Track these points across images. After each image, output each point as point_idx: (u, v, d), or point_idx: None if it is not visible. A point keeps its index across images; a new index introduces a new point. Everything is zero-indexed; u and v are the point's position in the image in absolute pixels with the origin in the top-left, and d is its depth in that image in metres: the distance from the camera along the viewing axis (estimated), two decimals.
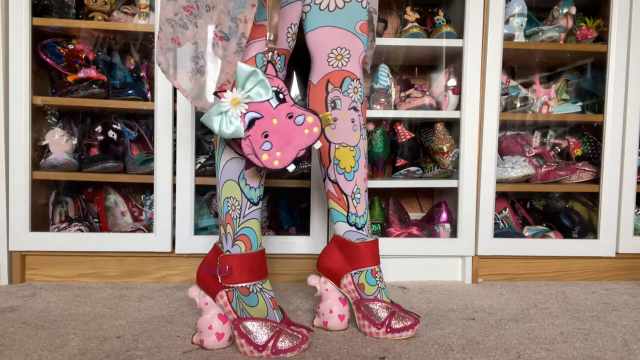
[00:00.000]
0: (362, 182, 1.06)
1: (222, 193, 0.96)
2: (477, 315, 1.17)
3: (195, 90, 0.93)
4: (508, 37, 1.50)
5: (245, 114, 0.88)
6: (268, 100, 0.89)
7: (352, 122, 1.05)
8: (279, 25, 0.97)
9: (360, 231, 1.05)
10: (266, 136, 0.88)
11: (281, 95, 0.90)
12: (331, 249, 1.09)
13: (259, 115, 0.88)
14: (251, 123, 0.88)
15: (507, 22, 1.52)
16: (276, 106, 0.89)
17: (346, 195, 1.05)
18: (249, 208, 0.95)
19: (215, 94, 0.90)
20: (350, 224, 1.06)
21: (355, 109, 1.05)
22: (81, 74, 1.43)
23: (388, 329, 0.99)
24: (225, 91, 0.89)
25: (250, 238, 0.95)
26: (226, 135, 0.87)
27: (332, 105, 1.04)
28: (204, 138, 1.55)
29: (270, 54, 0.92)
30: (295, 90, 1.61)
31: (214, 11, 0.92)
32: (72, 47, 1.47)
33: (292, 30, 1.01)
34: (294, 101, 0.91)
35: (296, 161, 0.90)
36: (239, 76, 0.88)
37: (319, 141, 0.91)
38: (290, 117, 0.89)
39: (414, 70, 1.76)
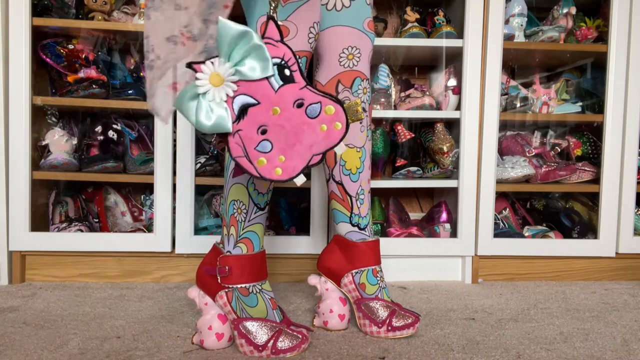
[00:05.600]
0: (366, 183, 1.06)
1: (229, 195, 0.95)
2: (477, 315, 1.17)
3: (148, 86, 0.79)
4: (508, 37, 1.50)
5: (234, 97, 0.64)
6: (267, 78, 0.64)
7: (360, 122, 1.05)
8: (300, 27, 0.90)
9: (363, 232, 1.06)
10: (264, 132, 0.65)
11: (287, 72, 0.65)
12: (332, 249, 1.09)
13: (253, 101, 0.64)
14: (242, 112, 0.64)
15: (507, 22, 1.52)
16: (279, 88, 0.64)
17: (350, 197, 1.05)
18: (255, 213, 0.95)
19: (189, 66, 0.65)
20: (353, 225, 1.06)
21: (363, 109, 1.05)
22: (81, 74, 1.43)
23: (389, 328, 0.99)
24: (203, 63, 0.64)
25: (253, 241, 0.95)
26: (205, 128, 0.64)
27: None
28: (204, 138, 1.55)
29: (273, 4, 0.72)
30: None
31: (186, 12, 0.80)
32: (72, 47, 1.47)
33: (314, 30, 0.94)
34: (306, 81, 0.67)
35: (307, 170, 0.68)
36: (223, 40, 0.63)
37: (342, 144, 0.67)
38: (301, 105, 0.65)
39: (414, 70, 1.76)
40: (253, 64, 0.63)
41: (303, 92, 0.65)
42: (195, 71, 0.63)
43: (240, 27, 0.62)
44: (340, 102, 0.66)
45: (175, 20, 0.80)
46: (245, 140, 0.65)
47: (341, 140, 0.66)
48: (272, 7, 0.71)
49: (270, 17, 0.66)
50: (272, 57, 0.64)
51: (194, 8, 0.80)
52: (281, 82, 0.65)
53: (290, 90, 0.65)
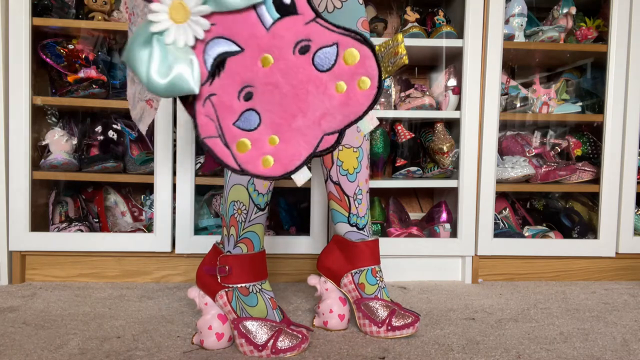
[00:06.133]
0: (364, 183, 1.06)
1: (229, 195, 0.95)
2: (477, 315, 1.17)
3: (130, 98, 0.72)
4: (508, 37, 1.50)
5: (206, 42, 0.44)
6: (254, 7, 0.44)
7: None
8: None
9: (361, 232, 1.05)
10: (248, 97, 0.44)
11: None
12: (331, 249, 1.09)
13: (234, 48, 0.43)
14: (218, 65, 0.44)
15: (507, 22, 1.52)
16: (273, 24, 0.43)
17: (348, 197, 1.05)
18: (255, 213, 0.95)
19: None
20: (352, 225, 1.06)
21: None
22: (81, 74, 1.43)
23: (389, 327, 0.99)
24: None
25: (254, 241, 0.95)
26: (159, 88, 0.44)
27: None
28: None
29: None
30: None
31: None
32: (72, 47, 1.47)
33: None
34: (316, 11, 0.45)
35: (311, 159, 0.45)
36: None
37: (371, 115, 0.46)
38: (306, 49, 0.43)
39: (414, 70, 1.76)
40: None
41: (310, 29, 0.42)
42: (149, 0, 0.43)
43: None
44: (369, 44, 0.43)
45: None
46: (220, 111, 0.43)
47: (371, 108, 0.43)
48: None
49: None
50: None
51: None
52: (277, 15, 0.43)
53: (291, 27, 0.43)
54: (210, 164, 0.49)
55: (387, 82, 1.56)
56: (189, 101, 0.46)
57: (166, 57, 0.43)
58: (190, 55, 0.43)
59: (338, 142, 0.47)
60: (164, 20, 0.43)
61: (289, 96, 0.43)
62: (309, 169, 0.42)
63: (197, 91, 0.44)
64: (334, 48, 0.43)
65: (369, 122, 0.46)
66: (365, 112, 0.44)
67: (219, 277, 0.93)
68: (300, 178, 0.47)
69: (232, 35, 0.43)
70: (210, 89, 0.44)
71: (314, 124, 0.44)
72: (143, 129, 0.71)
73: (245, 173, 0.45)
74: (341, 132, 0.46)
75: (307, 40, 0.43)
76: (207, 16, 0.44)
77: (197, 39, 0.44)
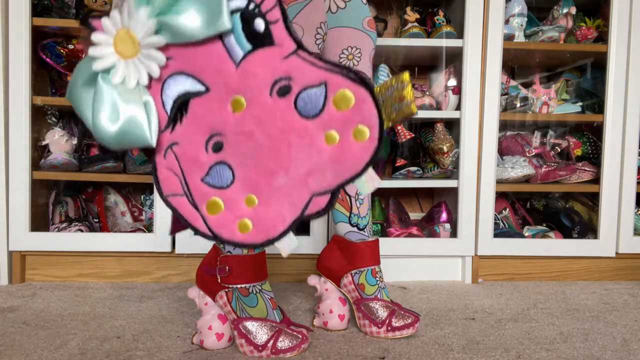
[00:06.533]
0: None
1: None
2: (477, 315, 1.17)
3: None
4: (508, 37, 1.50)
5: (163, 80, 0.36)
6: (221, 38, 0.35)
7: None
8: (306, 28, 0.87)
9: (362, 232, 1.05)
10: (218, 147, 0.36)
11: (260, 23, 0.34)
12: (331, 249, 1.09)
13: (197, 87, 0.35)
14: (180, 107, 0.36)
15: (507, 22, 1.52)
16: (244, 57, 0.35)
17: (349, 197, 1.05)
18: None
19: (82, 22, 0.37)
20: (352, 225, 1.06)
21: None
22: None
23: (389, 328, 0.99)
24: (104, 14, 0.37)
25: None
26: (109, 137, 0.36)
27: None
28: None
29: None
30: None
31: None
32: (72, 47, 1.47)
33: (322, 30, 0.91)
34: (296, 41, 0.36)
35: (299, 224, 0.40)
36: None
37: (371, 173, 0.36)
38: (286, 90, 0.35)
39: (414, 70, 1.76)
40: (192, 10, 0.32)
41: (290, 64, 0.33)
42: (91, 29, 0.36)
43: None
44: (365, 82, 0.35)
45: None
46: (184, 163, 0.36)
47: (370, 164, 0.35)
48: None
49: None
50: None
51: None
52: (249, 47, 0.34)
53: (266, 62, 0.34)
54: (177, 226, 0.47)
55: None
56: (147, 150, 0.38)
57: (114, 98, 0.34)
58: (144, 96, 0.35)
59: (331, 204, 0.39)
60: (109, 54, 0.35)
61: (266, 148, 0.35)
62: (303, 228, 0.34)
63: (153, 140, 0.36)
64: (321, 89, 0.34)
65: (369, 182, 0.37)
66: (364, 169, 0.35)
67: (219, 277, 0.93)
68: (286, 247, 0.40)
69: (194, 71, 0.34)
70: (172, 137, 0.36)
71: (299, 182, 0.35)
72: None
73: (219, 239, 0.38)
74: (334, 193, 0.37)
75: (287, 78, 0.34)
76: (162, 48, 0.35)
77: (150, 76, 0.36)
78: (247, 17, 0.34)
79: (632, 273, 1.54)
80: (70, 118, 1.54)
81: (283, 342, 0.89)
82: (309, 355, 0.91)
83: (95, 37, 0.36)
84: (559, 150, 1.66)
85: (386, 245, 1.44)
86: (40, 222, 1.46)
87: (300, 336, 0.91)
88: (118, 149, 0.37)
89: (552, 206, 1.66)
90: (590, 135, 1.64)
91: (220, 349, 0.93)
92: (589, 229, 1.54)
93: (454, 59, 1.54)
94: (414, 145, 1.58)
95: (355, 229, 1.05)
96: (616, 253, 1.51)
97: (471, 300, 1.29)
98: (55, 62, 1.44)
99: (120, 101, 0.34)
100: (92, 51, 0.36)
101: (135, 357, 0.90)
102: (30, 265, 1.42)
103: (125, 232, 1.48)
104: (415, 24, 1.52)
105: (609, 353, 0.94)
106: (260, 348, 0.89)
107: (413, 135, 1.59)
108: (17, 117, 1.36)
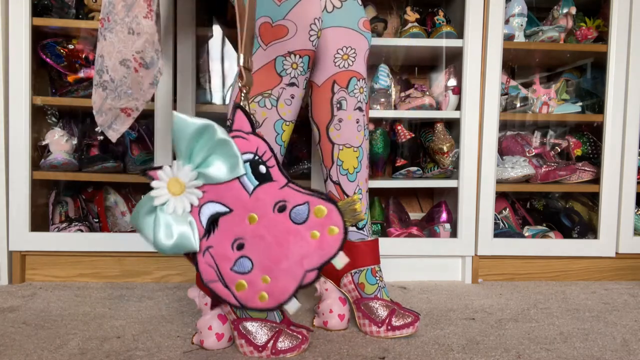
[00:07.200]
0: (363, 182, 1.06)
1: None
2: (477, 315, 1.17)
3: (97, 103, 0.77)
4: (508, 37, 1.50)
5: (200, 206, 0.53)
6: (238, 179, 0.53)
7: (357, 122, 1.05)
8: (299, 25, 0.87)
9: (361, 231, 1.05)
10: (240, 247, 0.54)
11: (263, 168, 0.54)
12: None
13: (224, 209, 0.53)
14: (212, 223, 0.54)
15: (507, 22, 1.52)
16: (254, 189, 0.53)
17: (348, 196, 1.05)
18: None
19: (143, 173, 0.57)
20: (351, 225, 1.06)
21: (360, 109, 1.05)
22: (81, 74, 1.43)
23: (389, 327, 0.99)
24: (160, 168, 0.56)
25: None
26: (166, 249, 0.55)
27: (338, 106, 1.04)
28: None
29: (243, 91, 0.63)
30: None
31: (139, 38, 0.76)
32: (72, 47, 1.47)
33: (316, 26, 0.90)
34: (287, 178, 0.56)
35: (299, 290, 0.55)
36: (180, 137, 0.53)
37: (342, 254, 0.56)
38: (283, 208, 0.54)
39: (414, 70, 1.76)
40: (219, 163, 0.51)
41: (284, 193, 0.53)
42: (151, 179, 0.53)
43: (199, 121, 0.51)
44: (332, 201, 0.54)
45: (128, 44, 0.75)
46: (218, 260, 0.54)
47: (340, 249, 0.53)
48: (242, 94, 0.60)
49: (237, 106, 0.56)
50: (243, 153, 0.53)
51: (147, 36, 0.76)
52: (256, 182, 0.53)
53: (269, 191, 0.53)
54: (215, 302, 0.70)
55: (387, 82, 1.56)
56: (191, 254, 0.56)
57: (169, 222, 0.53)
58: (188, 217, 0.53)
59: (318, 276, 0.57)
60: (164, 194, 0.54)
61: (274, 245, 0.53)
62: (297, 298, 0.59)
63: (197, 248, 0.54)
64: (305, 206, 0.54)
65: (341, 259, 0.56)
66: (337, 252, 0.54)
67: None
68: (292, 307, 0.57)
69: (220, 199, 0.53)
70: (208, 243, 0.54)
71: (297, 264, 0.54)
72: (113, 136, 0.72)
73: (246, 308, 0.57)
74: (319, 269, 0.56)
75: (284, 201, 0.54)
76: (199, 187, 0.53)
77: (192, 205, 0.53)
78: (253, 164, 0.53)
79: (632, 273, 1.54)
80: (70, 118, 1.54)
81: (283, 343, 0.89)
82: (309, 356, 0.91)
83: (155, 184, 0.56)
84: (559, 150, 1.66)
85: (386, 245, 1.44)
86: (40, 222, 1.46)
87: (300, 336, 0.91)
88: (173, 254, 0.55)
89: (552, 206, 1.66)
90: (590, 135, 1.64)
91: (220, 349, 0.93)
92: (589, 229, 1.54)
93: (454, 59, 1.54)
94: (414, 145, 1.58)
95: (354, 228, 1.05)
96: (616, 253, 1.51)
97: (471, 300, 1.29)
98: (55, 62, 1.44)
99: (173, 223, 0.53)
100: (152, 193, 0.56)
101: (135, 357, 0.90)
102: (30, 265, 1.42)
103: (125, 232, 1.48)
104: (415, 24, 1.52)
105: (609, 353, 0.94)
106: (260, 348, 0.89)
107: (413, 135, 1.59)
108: (17, 117, 1.36)
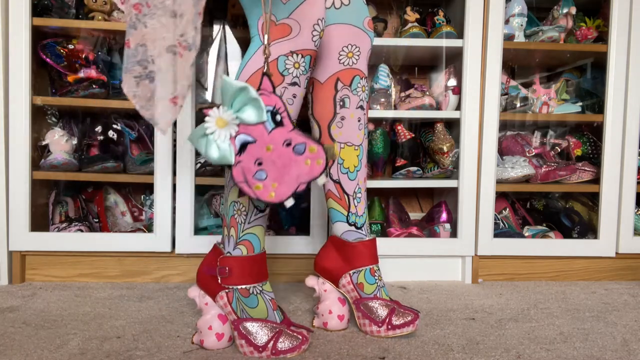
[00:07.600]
0: (363, 181, 1.06)
1: (229, 195, 0.95)
2: (477, 315, 1.17)
3: (143, 98, 0.78)
4: (508, 37, 1.50)
5: (235, 136, 0.78)
6: (262, 122, 0.79)
7: (359, 120, 1.05)
8: (303, 24, 0.90)
9: (359, 231, 1.05)
10: (259, 164, 0.79)
11: (278, 117, 0.80)
12: (328, 250, 1.09)
13: (251, 140, 0.79)
14: (243, 147, 0.79)
15: (507, 22, 1.52)
16: (271, 130, 0.79)
17: (348, 195, 1.05)
18: (255, 215, 0.95)
19: (200, 110, 0.81)
20: (350, 224, 1.06)
21: (362, 107, 1.05)
22: (81, 74, 1.43)
23: (389, 326, 0.99)
24: (211, 108, 0.79)
25: (253, 243, 0.95)
26: (213, 160, 0.79)
27: (341, 103, 1.04)
28: None
29: (265, 64, 0.83)
30: None
31: (181, 19, 0.78)
32: (72, 47, 1.47)
33: (319, 27, 0.91)
34: (294, 125, 0.81)
35: (295, 195, 0.79)
36: (226, 93, 0.78)
37: (323, 175, 0.80)
38: (289, 144, 0.79)
39: (414, 70, 1.76)
40: (250, 111, 0.78)
41: (291, 134, 0.79)
42: (205, 115, 0.78)
43: (239, 84, 0.76)
44: (321, 144, 0.80)
45: (171, 28, 0.77)
46: (245, 170, 0.79)
47: (322, 173, 0.80)
48: (266, 64, 0.84)
49: (265, 74, 0.82)
50: (266, 106, 0.78)
51: (188, 15, 0.77)
52: (273, 125, 0.79)
53: (281, 133, 0.79)
54: (242, 193, 0.92)
55: (387, 81, 1.57)
56: (229, 165, 0.79)
57: (216, 144, 0.78)
58: (228, 142, 0.79)
59: (305, 188, 0.81)
60: (213, 127, 0.78)
61: (281, 166, 0.79)
62: (296, 199, 0.82)
63: (233, 162, 0.79)
64: (303, 144, 0.79)
65: (321, 179, 0.80)
66: (320, 175, 0.80)
67: (219, 278, 0.93)
68: (288, 203, 0.79)
69: (249, 133, 0.79)
70: (239, 159, 0.79)
71: (294, 179, 0.79)
72: (165, 128, 0.75)
73: (260, 200, 0.80)
74: (308, 184, 0.80)
75: (290, 139, 0.80)
76: (236, 125, 0.79)
77: (231, 135, 0.79)
78: (272, 113, 0.80)
79: (632, 273, 1.54)
80: (70, 118, 1.54)
81: (283, 343, 0.90)
82: (309, 356, 0.91)
83: (207, 119, 0.78)
84: (559, 150, 1.66)
85: (386, 245, 1.44)
86: (40, 222, 1.46)
87: (301, 337, 0.91)
88: (218, 164, 0.86)
89: (552, 206, 1.66)
90: (590, 135, 1.64)
91: (220, 349, 0.94)
92: (589, 229, 1.54)
93: (454, 59, 1.54)
94: (414, 145, 1.58)
95: (352, 228, 1.05)
96: (616, 253, 1.51)
97: (471, 300, 1.29)
98: (55, 62, 1.44)
99: (218, 145, 0.79)
100: (205, 125, 0.79)
101: (135, 357, 0.90)
102: (30, 265, 1.42)
103: (125, 232, 1.48)
104: (415, 24, 1.52)
105: (609, 353, 0.94)
106: (260, 349, 0.89)
107: (413, 135, 1.59)
108: (17, 117, 1.36)
